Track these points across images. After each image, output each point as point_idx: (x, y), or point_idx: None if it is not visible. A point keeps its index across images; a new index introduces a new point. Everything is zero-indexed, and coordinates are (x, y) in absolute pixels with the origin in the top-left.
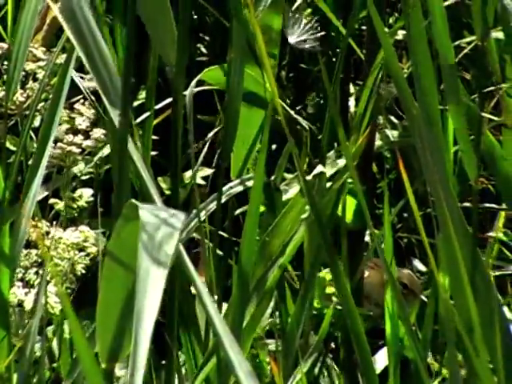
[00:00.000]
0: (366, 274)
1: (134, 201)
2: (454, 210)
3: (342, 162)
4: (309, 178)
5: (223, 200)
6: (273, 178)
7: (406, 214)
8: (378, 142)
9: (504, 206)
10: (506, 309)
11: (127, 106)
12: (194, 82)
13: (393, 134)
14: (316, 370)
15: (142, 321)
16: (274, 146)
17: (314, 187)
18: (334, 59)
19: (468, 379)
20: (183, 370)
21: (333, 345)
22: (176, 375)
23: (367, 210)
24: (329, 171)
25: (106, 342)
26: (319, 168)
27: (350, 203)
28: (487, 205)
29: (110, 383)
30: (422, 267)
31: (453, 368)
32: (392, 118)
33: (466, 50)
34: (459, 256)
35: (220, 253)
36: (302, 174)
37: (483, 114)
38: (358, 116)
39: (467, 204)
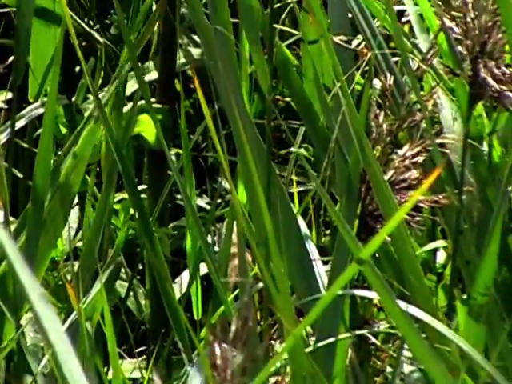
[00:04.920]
0: None
1: None
2: (249, 127)
3: (147, 78)
4: (104, 93)
5: (23, 123)
6: (74, 98)
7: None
8: (180, 61)
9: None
10: (301, 221)
11: None
12: None
13: (196, 53)
14: (122, 290)
15: None
16: (78, 68)
17: (112, 104)
18: None
19: (264, 289)
20: None
21: (140, 266)
22: None
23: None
24: (129, 90)
25: None
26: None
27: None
28: (283, 121)
29: None
30: (228, 186)
31: (244, 280)
32: (195, 37)
33: None
34: (254, 172)
35: (18, 174)
36: (95, 91)
37: (277, 26)
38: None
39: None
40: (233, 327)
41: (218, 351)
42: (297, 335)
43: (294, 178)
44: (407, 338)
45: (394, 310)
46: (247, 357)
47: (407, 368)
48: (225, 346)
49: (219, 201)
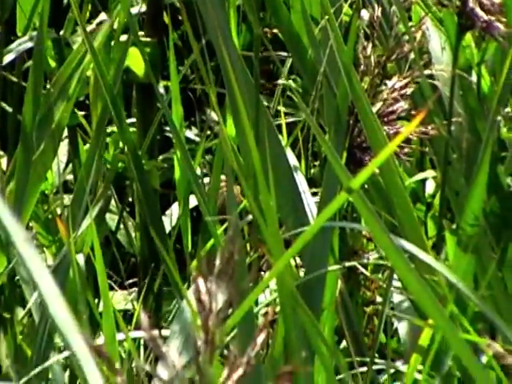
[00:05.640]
0: None
1: None
2: (235, 58)
3: (135, 11)
4: (92, 26)
5: (12, 57)
6: (62, 32)
7: None
8: None
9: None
10: (290, 153)
11: None
12: None
13: None
14: (111, 224)
15: None
16: (65, 1)
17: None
18: None
19: (253, 221)
20: None
21: (130, 198)
22: None
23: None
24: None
25: None
26: (102, 16)
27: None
28: (272, 53)
29: None
30: (216, 117)
31: (231, 215)
32: None
33: None
34: (242, 105)
35: (7, 108)
36: (82, 24)
37: None
38: None
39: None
40: (218, 261)
41: (202, 286)
42: (283, 263)
43: (282, 109)
44: (396, 267)
45: (382, 240)
46: (232, 290)
47: (397, 298)
48: (211, 280)
49: (208, 132)
